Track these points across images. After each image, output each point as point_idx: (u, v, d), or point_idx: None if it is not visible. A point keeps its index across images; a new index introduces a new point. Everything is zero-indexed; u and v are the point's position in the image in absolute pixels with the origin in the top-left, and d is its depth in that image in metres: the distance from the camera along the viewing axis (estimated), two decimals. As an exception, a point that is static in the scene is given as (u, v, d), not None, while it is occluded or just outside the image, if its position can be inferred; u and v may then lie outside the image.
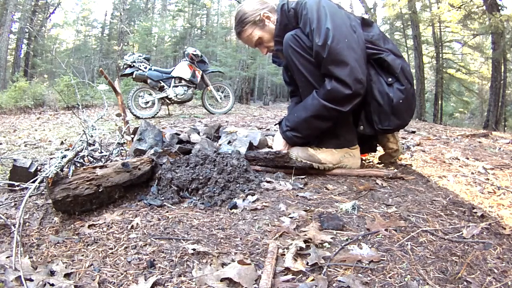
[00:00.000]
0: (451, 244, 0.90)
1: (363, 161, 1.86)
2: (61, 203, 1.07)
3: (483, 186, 1.41)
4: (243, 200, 1.23)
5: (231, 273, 0.75)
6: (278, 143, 1.68)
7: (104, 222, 1.05)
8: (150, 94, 5.35)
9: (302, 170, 1.56)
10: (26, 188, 1.32)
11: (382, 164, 1.79)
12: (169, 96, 5.34)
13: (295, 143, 1.61)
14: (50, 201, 1.14)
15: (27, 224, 1.06)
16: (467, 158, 1.93)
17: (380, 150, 1.89)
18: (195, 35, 22.23)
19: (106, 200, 1.19)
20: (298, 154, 1.53)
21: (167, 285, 0.74)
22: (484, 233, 0.97)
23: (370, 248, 0.87)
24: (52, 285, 0.74)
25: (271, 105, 17.47)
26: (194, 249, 0.86)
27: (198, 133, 2.21)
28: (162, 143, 1.83)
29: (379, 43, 1.50)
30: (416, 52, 12.63)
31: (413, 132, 3.37)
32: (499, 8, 8.69)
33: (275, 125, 3.44)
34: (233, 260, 0.82)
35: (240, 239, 0.94)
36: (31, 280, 0.75)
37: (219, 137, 2.16)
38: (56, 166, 1.14)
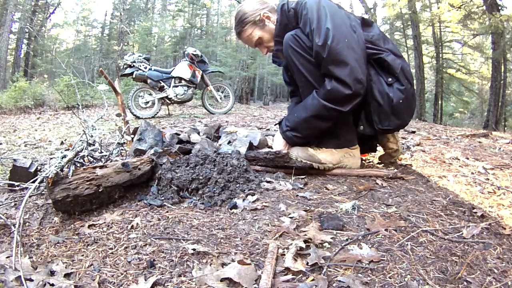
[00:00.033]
0: (451, 244, 0.90)
1: (363, 161, 1.86)
2: (61, 203, 1.07)
3: (483, 186, 1.41)
4: (243, 200, 1.23)
5: (231, 273, 0.75)
6: (278, 143, 1.68)
7: (104, 222, 1.05)
8: (150, 94, 5.35)
9: (302, 170, 1.56)
10: (26, 188, 1.32)
11: (382, 164, 1.79)
12: (169, 96, 5.34)
13: (295, 143, 1.61)
14: (50, 201, 1.14)
15: (27, 224, 1.06)
16: (467, 158, 1.93)
17: (380, 150, 1.89)
18: (195, 35, 22.23)
19: (106, 200, 1.19)
20: (298, 154, 1.53)
21: (167, 285, 0.74)
22: (484, 233, 0.97)
23: (370, 248, 0.87)
24: (52, 285, 0.74)
25: (271, 105, 17.47)
26: (194, 249, 0.86)
27: (198, 133, 2.21)
28: (162, 143, 1.83)
29: (379, 43, 1.50)
30: (416, 52, 12.63)
31: (413, 132, 3.37)
32: (499, 8, 8.69)
33: (275, 125, 3.44)
34: (233, 260, 0.82)
35: (240, 239, 0.94)
36: (31, 280, 0.75)
37: (219, 137, 2.16)
38: (56, 166, 1.14)
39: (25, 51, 16.97)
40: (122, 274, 0.78)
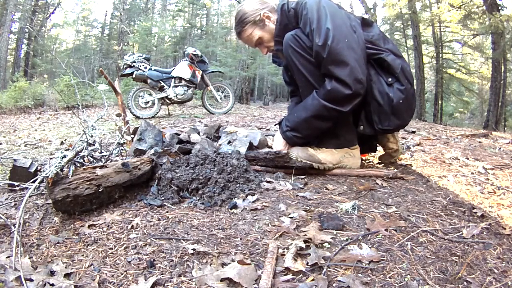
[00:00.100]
0: (451, 244, 0.90)
1: (363, 161, 1.86)
2: (61, 203, 1.07)
3: (483, 186, 1.41)
4: (243, 200, 1.23)
5: (231, 273, 0.75)
6: (278, 143, 1.68)
7: (104, 222, 1.05)
8: (150, 94, 5.35)
9: (302, 170, 1.56)
10: (26, 188, 1.32)
11: (382, 164, 1.79)
12: (169, 96, 5.34)
13: (295, 143, 1.61)
14: (50, 201, 1.14)
15: (27, 224, 1.06)
16: (467, 158, 1.93)
17: (380, 150, 1.89)
18: (195, 35, 22.23)
19: (106, 200, 1.19)
20: (298, 154, 1.53)
21: (167, 285, 0.74)
22: (484, 233, 0.97)
23: (370, 248, 0.87)
24: (52, 285, 0.74)
25: (271, 105, 17.47)
26: (194, 249, 0.86)
27: (198, 133, 2.21)
28: (162, 143, 1.83)
29: (379, 43, 1.50)
30: (416, 52, 12.63)
31: (413, 132, 3.37)
32: (499, 8, 8.69)
33: (275, 125, 3.44)
34: (233, 260, 0.82)
35: (240, 239, 0.94)
36: (31, 280, 0.75)
37: (219, 137, 2.16)
38: (56, 166, 1.14)
39: (25, 51, 16.98)
40: (122, 274, 0.78)
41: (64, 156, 1.23)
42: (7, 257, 0.84)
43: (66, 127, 4.15)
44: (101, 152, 1.60)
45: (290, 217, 1.07)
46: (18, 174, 1.36)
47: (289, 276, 0.76)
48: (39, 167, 1.55)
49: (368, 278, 0.75)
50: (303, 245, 0.87)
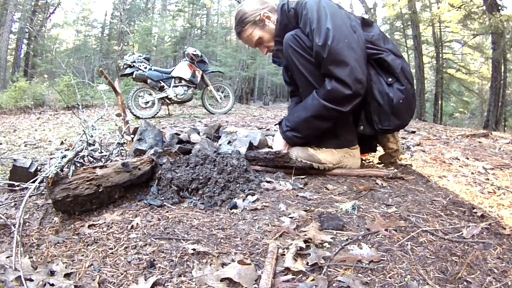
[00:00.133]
0: (451, 244, 0.90)
1: (363, 161, 1.86)
2: (61, 203, 1.07)
3: (483, 186, 1.41)
4: (243, 200, 1.23)
5: (231, 273, 0.75)
6: (278, 143, 1.68)
7: (104, 222, 1.05)
8: (150, 94, 5.35)
9: (302, 170, 1.56)
10: (26, 188, 1.32)
11: (382, 164, 1.79)
12: (169, 96, 5.34)
13: (295, 143, 1.61)
14: (50, 201, 1.14)
15: (27, 224, 1.06)
16: (467, 158, 1.93)
17: (380, 150, 1.89)
18: (195, 35, 22.23)
19: (106, 200, 1.19)
20: (298, 154, 1.53)
21: (167, 285, 0.74)
22: (484, 233, 0.97)
23: (370, 248, 0.87)
24: (52, 285, 0.74)
25: (271, 105, 17.47)
26: (194, 249, 0.86)
27: (198, 133, 2.21)
28: (162, 143, 1.83)
29: (379, 43, 1.50)
30: (416, 52, 12.62)
31: (413, 132, 3.37)
32: (499, 8, 8.69)
33: (275, 125, 3.44)
34: (233, 260, 0.82)
35: (240, 239, 0.94)
36: (31, 280, 0.75)
37: (219, 137, 2.16)
38: (56, 166, 1.14)
39: (25, 51, 16.97)
40: (122, 274, 0.78)
41: (64, 156, 1.23)
42: (7, 257, 0.84)
43: (66, 127, 4.15)
44: (101, 152, 1.60)
45: (290, 217, 1.07)
46: (18, 174, 1.36)
47: (289, 276, 0.76)
48: (39, 167, 1.55)
49: (368, 278, 0.75)
50: (303, 245, 0.87)
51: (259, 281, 0.73)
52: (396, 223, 1.01)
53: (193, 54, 5.51)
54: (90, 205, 1.14)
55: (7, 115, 6.50)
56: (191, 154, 1.53)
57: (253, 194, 1.27)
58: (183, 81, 5.47)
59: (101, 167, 1.22)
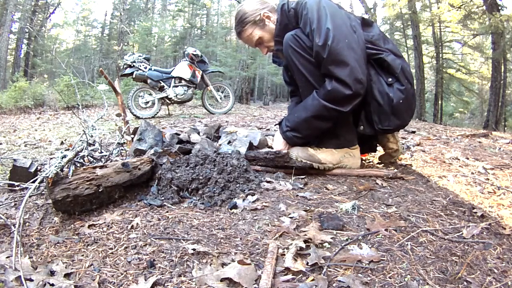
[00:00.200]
0: (451, 244, 0.90)
1: (363, 161, 1.86)
2: (61, 203, 1.07)
3: (483, 186, 1.41)
4: (243, 200, 1.23)
5: (231, 273, 0.75)
6: (278, 143, 1.68)
7: (104, 222, 1.05)
8: (150, 94, 5.35)
9: (302, 170, 1.56)
10: (26, 188, 1.32)
11: (382, 164, 1.79)
12: (169, 96, 5.34)
13: (295, 143, 1.61)
14: (50, 201, 1.14)
15: (27, 224, 1.06)
16: (467, 158, 1.93)
17: (380, 150, 1.89)
18: (195, 35, 22.23)
19: (106, 200, 1.19)
20: (298, 154, 1.53)
21: (167, 285, 0.74)
22: (484, 233, 0.97)
23: (370, 248, 0.87)
24: (52, 285, 0.74)
25: (271, 105, 17.47)
26: (194, 249, 0.86)
27: (198, 133, 2.21)
28: (162, 143, 1.83)
29: (379, 43, 1.50)
30: (416, 52, 12.63)
31: (413, 132, 3.37)
32: (499, 8, 8.69)
33: (275, 125, 3.44)
34: (233, 260, 0.82)
35: (240, 239, 0.94)
36: (31, 280, 0.75)
37: (219, 137, 2.16)
38: (56, 166, 1.14)
39: (25, 51, 16.97)
40: (122, 274, 0.78)
41: (64, 156, 1.23)
42: (7, 257, 0.84)
43: (66, 127, 4.15)
44: (101, 152, 1.60)
45: (290, 217, 1.07)
46: (18, 174, 1.36)
47: (289, 276, 0.76)
48: (39, 167, 1.55)
49: (368, 278, 0.75)
50: (303, 245, 0.87)
51: (259, 281, 0.73)
52: (396, 223, 1.01)
53: (193, 54, 5.51)
54: (90, 205, 1.14)
55: (7, 115, 6.50)
56: (191, 154, 1.53)
57: (253, 194, 1.27)
58: (183, 81, 5.48)
59: (101, 167, 1.22)
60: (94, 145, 1.62)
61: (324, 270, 0.78)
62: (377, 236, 0.95)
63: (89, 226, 1.03)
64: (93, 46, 26.18)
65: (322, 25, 1.37)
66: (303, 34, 1.46)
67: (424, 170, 1.69)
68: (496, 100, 9.46)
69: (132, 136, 1.93)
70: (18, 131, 3.82)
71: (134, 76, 5.28)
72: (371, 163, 1.87)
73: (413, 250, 0.87)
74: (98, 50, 25.07)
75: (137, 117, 5.02)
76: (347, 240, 0.93)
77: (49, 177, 1.06)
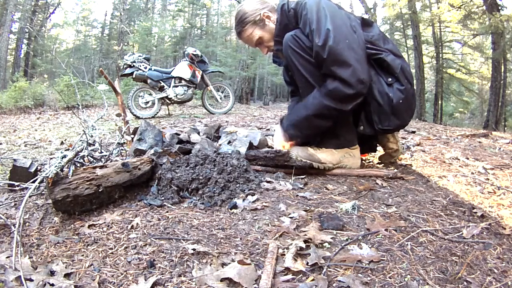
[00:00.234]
0: (451, 244, 0.90)
1: (363, 161, 1.86)
2: (61, 203, 1.07)
3: (483, 186, 1.41)
4: (243, 200, 1.23)
5: (231, 273, 0.75)
6: (278, 139, 1.67)
7: (104, 222, 1.05)
8: (150, 94, 5.35)
9: (302, 170, 1.56)
10: (26, 188, 1.32)
11: (382, 164, 1.79)
12: (169, 96, 5.34)
13: (295, 140, 1.61)
14: (50, 201, 1.14)
15: (27, 224, 1.06)
16: (467, 158, 1.93)
17: (380, 150, 1.89)
18: (195, 35, 22.23)
19: (106, 200, 1.19)
20: (298, 153, 1.53)
21: (167, 285, 0.74)
22: (484, 233, 0.97)
23: (370, 248, 0.87)
24: (52, 285, 0.74)
25: (271, 105, 17.46)
26: (194, 249, 0.86)
27: (198, 133, 2.21)
28: (162, 143, 1.83)
29: (379, 43, 1.50)
30: (416, 52, 12.62)
31: (413, 132, 3.37)
32: (499, 8, 8.68)
33: (275, 124, 3.44)
34: (233, 260, 0.82)
35: (240, 239, 0.94)
36: (31, 280, 0.75)
37: (219, 137, 2.16)
38: (56, 166, 1.14)
39: (25, 51, 16.97)
40: (122, 274, 0.78)
41: (64, 156, 1.23)
42: (7, 257, 0.84)
43: (66, 127, 4.15)
44: (101, 152, 1.60)
45: (290, 217, 1.07)
46: (18, 174, 1.36)
47: (289, 276, 0.76)
48: (39, 167, 1.55)
49: (368, 278, 0.75)
50: (303, 245, 0.87)
51: (259, 281, 0.73)
52: (396, 223, 1.01)
53: (193, 54, 5.51)
54: (90, 205, 1.14)
55: (7, 115, 6.50)
56: (191, 154, 1.53)
57: (253, 194, 1.27)
58: (183, 81, 5.48)
59: (101, 167, 1.22)
60: (94, 145, 1.62)
61: (324, 270, 0.78)
62: (377, 236, 0.95)
63: (89, 226, 1.03)
64: (93, 46, 26.18)
65: (322, 25, 1.37)
66: (302, 35, 1.46)
67: (424, 170, 1.69)
68: (496, 100, 9.46)
69: (132, 136, 1.93)
70: (18, 131, 3.82)
71: (134, 76, 5.28)
72: (371, 163, 1.87)
73: (413, 250, 0.87)
74: (98, 50, 25.06)
75: (137, 117, 5.02)
76: (347, 240, 0.93)
77: (49, 177, 1.06)
